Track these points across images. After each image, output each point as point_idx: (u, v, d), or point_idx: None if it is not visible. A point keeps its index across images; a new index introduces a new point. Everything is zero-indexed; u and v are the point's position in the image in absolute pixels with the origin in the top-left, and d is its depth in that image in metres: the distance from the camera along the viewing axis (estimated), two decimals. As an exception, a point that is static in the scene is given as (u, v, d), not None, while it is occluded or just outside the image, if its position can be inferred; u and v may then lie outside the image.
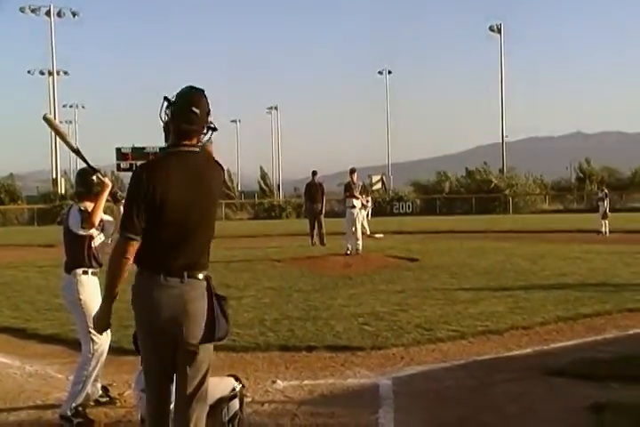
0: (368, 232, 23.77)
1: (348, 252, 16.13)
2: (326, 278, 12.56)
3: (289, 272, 13.71)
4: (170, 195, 3.42)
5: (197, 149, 3.56)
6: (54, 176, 57.30)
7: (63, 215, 5.54)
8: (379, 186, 58.52)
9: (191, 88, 3.58)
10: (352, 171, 16.93)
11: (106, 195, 5.24)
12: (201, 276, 3.51)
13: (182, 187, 3.45)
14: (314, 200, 20.83)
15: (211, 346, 3.59)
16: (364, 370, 6.32)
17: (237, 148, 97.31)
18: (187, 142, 3.52)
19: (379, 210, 47.22)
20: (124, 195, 3.72)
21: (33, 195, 65.55)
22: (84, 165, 5.19)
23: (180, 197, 3.44)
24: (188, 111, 3.48)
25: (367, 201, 27.87)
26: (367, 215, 29.40)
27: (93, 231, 5.24)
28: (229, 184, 26.22)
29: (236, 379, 4.68)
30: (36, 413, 5.27)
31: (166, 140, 3.62)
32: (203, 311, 3.49)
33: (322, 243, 20.14)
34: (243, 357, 6.85)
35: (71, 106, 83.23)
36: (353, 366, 6.45)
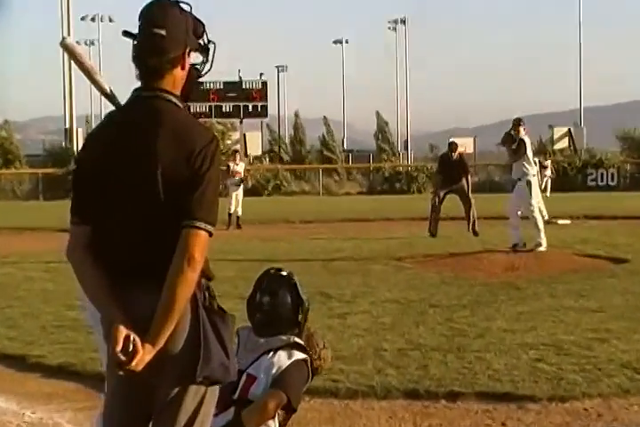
0: (546, 216, 23.45)
1: (519, 246, 15.82)
2: (479, 288, 12.53)
3: (421, 277, 13.75)
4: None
5: (169, 97, 3.59)
6: (67, 125, 58.68)
7: None
8: (564, 144, 57.62)
9: (151, 1, 3.59)
10: (517, 123, 16.45)
11: None
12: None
13: (112, 147, 3.58)
14: (452, 181, 20.99)
15: (198, 389, 3.56)
16: (539, 433, 6.26)
17: (342, 82, 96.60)
18: (154, 84, 3.59)
19: (564, 181, 46.51)
20: None
21: (37, 153, 67.41)
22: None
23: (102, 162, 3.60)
24: (149, 35, 3.52)
25: (544, 167, 27.50)
26: (545, 190, 29.07)
27: None
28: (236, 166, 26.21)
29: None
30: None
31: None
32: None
33: (474, 232, 20.06)
34: (349, 406, 6.90)
35: (93, 19, 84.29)
36: (521, 427, 6.40)
